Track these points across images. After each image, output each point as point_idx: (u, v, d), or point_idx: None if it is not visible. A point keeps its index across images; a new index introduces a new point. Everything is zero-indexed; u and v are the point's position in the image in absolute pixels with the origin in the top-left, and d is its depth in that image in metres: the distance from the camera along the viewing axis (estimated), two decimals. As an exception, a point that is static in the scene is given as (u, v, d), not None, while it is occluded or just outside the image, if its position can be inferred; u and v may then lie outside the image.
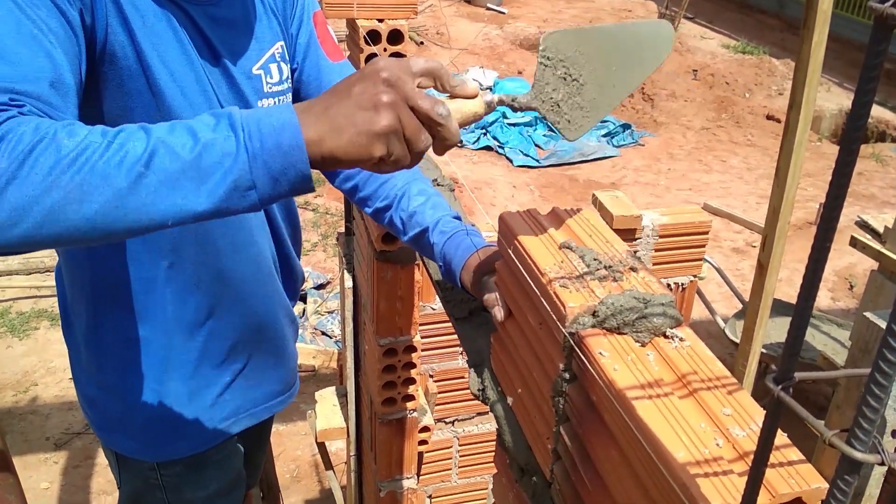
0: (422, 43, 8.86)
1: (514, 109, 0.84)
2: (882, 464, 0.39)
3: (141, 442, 1.31)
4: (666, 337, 0.69)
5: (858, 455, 0.38)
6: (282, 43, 1.24)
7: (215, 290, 1.26)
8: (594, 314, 0.70)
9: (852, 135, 0.34)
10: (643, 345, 0.68)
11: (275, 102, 1.23)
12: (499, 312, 0.90)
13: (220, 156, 0.71)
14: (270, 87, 1.22)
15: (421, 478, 2.19)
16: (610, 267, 0.76)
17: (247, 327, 1.35)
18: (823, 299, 4.65)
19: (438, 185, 1.41)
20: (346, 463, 2.54)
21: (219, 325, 1.29)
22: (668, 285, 1.58)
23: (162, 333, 1.24)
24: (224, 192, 0.71)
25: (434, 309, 1.96)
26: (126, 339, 1.24)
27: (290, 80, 1.26)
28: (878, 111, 7.37)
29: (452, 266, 1.06)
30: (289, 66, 1.25)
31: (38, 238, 0.69)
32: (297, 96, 1.30)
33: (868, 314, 1.46)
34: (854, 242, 2.31)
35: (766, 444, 0.44)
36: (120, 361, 1.25)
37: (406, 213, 1.18)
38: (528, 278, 0.79)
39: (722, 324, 3.61)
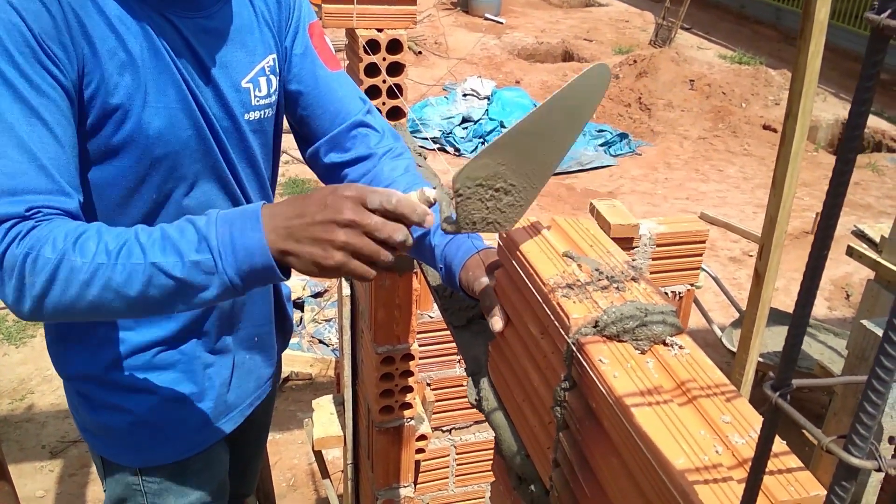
0: (420, 53, 8.89)
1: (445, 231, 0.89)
2: (879, 470, 0.40)
3: (124, 447, 1.30)
4: (666, 345, 0.70)
5: (855, 461, 0.38)
6: (274, 56, 1.23)
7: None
8: (596, 324, 0.70)
9: (849, 144, 0.34)
10: (643, 352, 0.69)
11: (261, 115, 1.23)
12: (497, 322, 0.89)
13: (204, 276, 0.88)
14: (258, 101, 1.22)
15: (418, 486, 2.18)
16: (612, 277, 0.77)
17: (235, 332, 1.35)
18: (820, 308, 4.66)
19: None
20: (342, 471, 2.53)
21: (203, 332, 1.30)
22: (666, 294, 1.59)
23: (145, 339, 1.25)
24: (213, 297, 0.90)
25: (432, 317, 1.96)
26: (108, 344, 1.24)
27: (277, 93, 1.26)
28: (874, 121, 7.40)
29: (453, 268, 1.06)
30: (278, 78, 1.25)
31: (77, 319, 0.96)
32: (296, 105, 1.30)
33: (865, 322, 1.46)
34: (850, 252, 2.32)
35: (763, 450, 0.45)
36: (102, 366, 1.25)
37: None
38: (530, 288, 0.79)
39: (719, 332, 3.61)
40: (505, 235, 0.88)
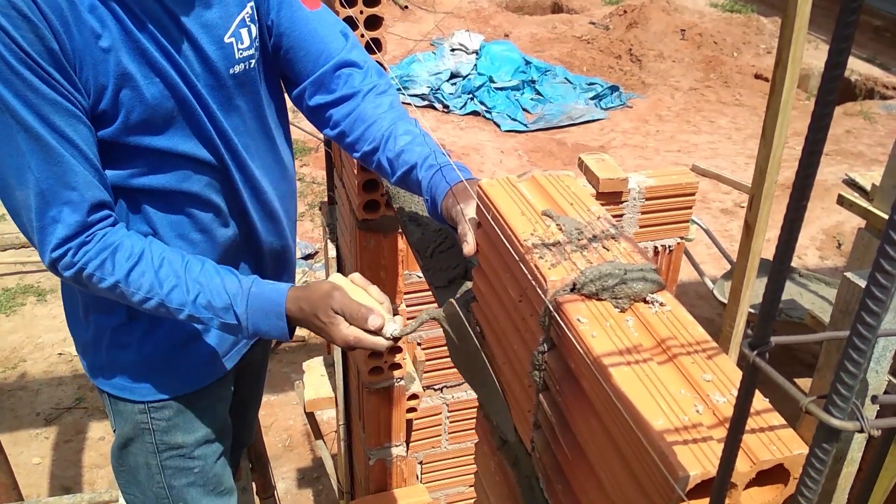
0: (406, 7, 8.72)
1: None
2: (861, 431, 0.38)
3: (131, 380, 1.34)
4: (646, 302, 0.67)
5: (836, 422, 0.36)
6: (251, 4, 1.22)
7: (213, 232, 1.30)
8: (574, 287, 0.68)
9: (830, 84, 0.32)
10: (623, 311, 0.66)
11: (245, 66, 1.22)
12: (467, 246, 0.93)
13: (230, 329, 1.16)
14: (241, 53, 1.22)
15: (412, 444, 2.19)
16: (592, 237, 0.74)
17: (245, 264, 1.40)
18: (811, 258, 4.66)
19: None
20: (336, 432, 2.54)
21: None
22: (655, 247, 1.57)
23: None
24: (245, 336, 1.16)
25: (419, 277, 1.94)
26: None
27: (258, 41, 1.25)
28: (866, 68, 7.32)
29: (436, 198, 1.05)
30: (257, 26, 1.24)
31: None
32: (278, 49, 1.29)
33: (849, 274, 1.44)
34: (841, 200, 2.30)
35: (742, 410, 0.43)
36: (111, 302, 1.26)
37: (393, 152, 1.18)
38: (508, 249, 0.77)
39: (710, 284, 3.61)
40: (483, 192, 0.85)
